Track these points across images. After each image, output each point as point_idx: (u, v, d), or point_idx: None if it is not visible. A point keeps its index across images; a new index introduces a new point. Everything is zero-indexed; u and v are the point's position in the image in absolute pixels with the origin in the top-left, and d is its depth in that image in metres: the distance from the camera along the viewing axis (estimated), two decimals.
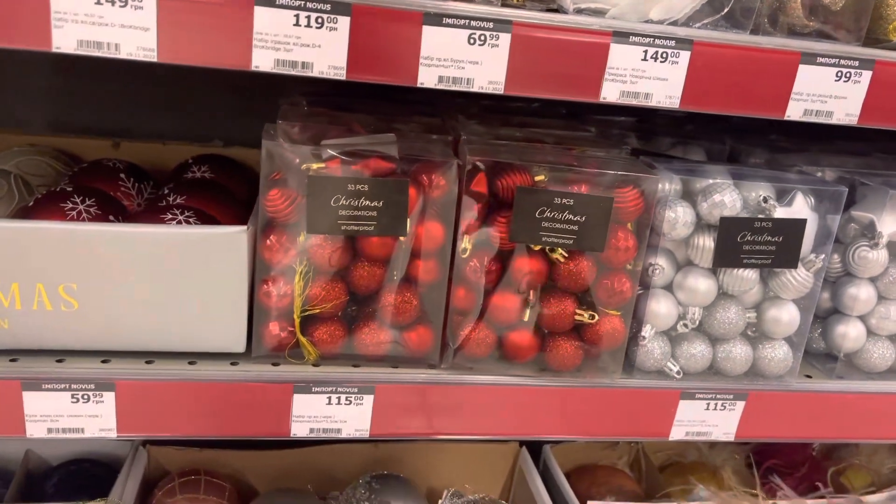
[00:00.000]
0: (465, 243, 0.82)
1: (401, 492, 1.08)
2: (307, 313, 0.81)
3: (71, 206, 0.83)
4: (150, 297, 0.78)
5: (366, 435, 0.85)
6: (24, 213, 0.84)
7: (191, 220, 0.83)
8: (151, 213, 0.84)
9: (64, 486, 1.04)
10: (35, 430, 0.77)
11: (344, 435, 0.84)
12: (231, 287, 0.79)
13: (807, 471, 1.23)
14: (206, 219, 0.84)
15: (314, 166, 0.78)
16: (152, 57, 0.67)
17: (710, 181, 0.86)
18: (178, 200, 0.92)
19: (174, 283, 0.78)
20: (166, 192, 0.95)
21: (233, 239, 0.78)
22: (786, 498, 1.14)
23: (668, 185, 0.85)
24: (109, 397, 0.78)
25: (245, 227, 0.78)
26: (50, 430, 0.78)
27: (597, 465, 1.24)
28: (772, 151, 1.08)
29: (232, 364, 0.82)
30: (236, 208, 0.95)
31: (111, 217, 0.85)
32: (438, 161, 0.79)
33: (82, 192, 0.86)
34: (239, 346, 0.82)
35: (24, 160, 1.01)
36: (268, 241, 0.80)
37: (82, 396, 0.77)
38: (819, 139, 1.19)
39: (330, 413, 0.83)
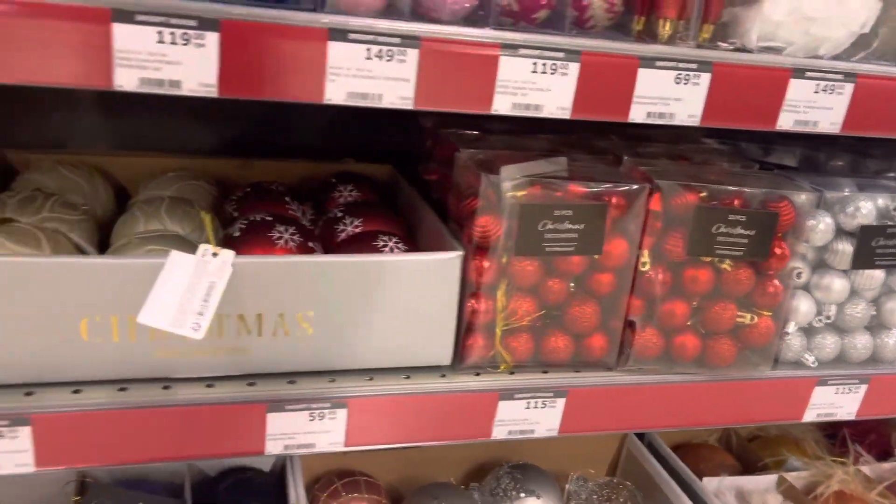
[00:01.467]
0: (645, 257, 0.91)
1: (540, 480, 1.17)
2: (508, 327, 0.89)
3: (277, 234, 0.88)
4: (373, 319, 0.84)
5: (555, 434, 0.93)
6: (230, 243, 0.88)
7: (398, 245, 0.89)
8: (360, 240, 0.90)
9: (232, 494, 1.09)
10: (273, 448, 0.83)
11: (536, 435, 0.93)
12: (444, 306, 0.86)
13: (875, 437, 1.38)
14: (407, 242, 0.90)
15: (519, 193, 0.85)
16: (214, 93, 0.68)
17: (846, 192, 0.97)
18: (356, 223, 0.98)
19: (396, 305, 0.84)
20: (339, 214, 1.00)
21: (450, 264, 0.84)
22: (866, 463, 1.28)
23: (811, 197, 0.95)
24: (342, 414, 0.84)
25: (461, 253, 0.84)
26: (287, 447, 0.84)
27: (696, 443, 1.36)
28: (849, 154, 1.20)
29: (441, 376, 0.89)
30: (402, 226, 1.01)
31: (309, 244, 0.90)
32: (632, 184, 0.87)
33: (282, 221, 0.90)
34: (446, 359, 0.89)
35: (182, 186, 1.04)
36: (475, 263, 0.87)
37: (318, 414, 0.83)
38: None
39: (527, 416, 0.91)
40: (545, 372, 0.93)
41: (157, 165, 1.13)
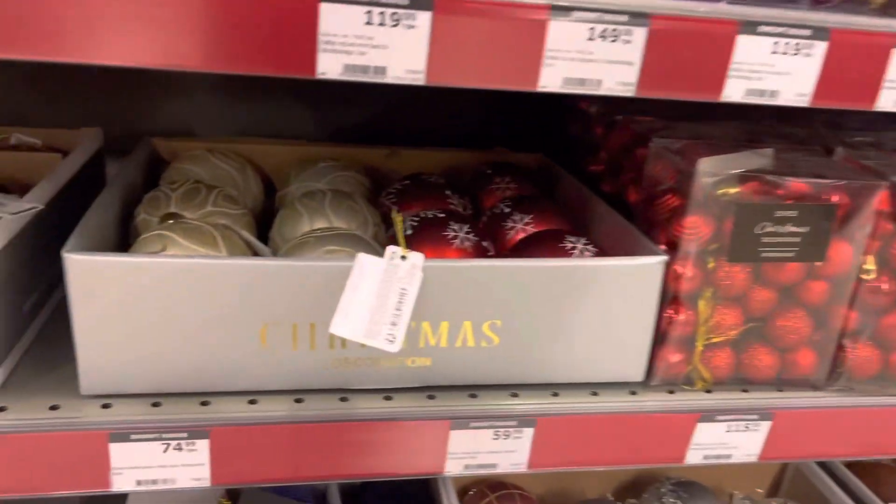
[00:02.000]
0: (870, 264, 0.79)
1: (707, 499, 1.07)
2: (710, 341, 0.79)
3: (452, 234, 0.81)
4: (562, 329, 0.75)
5: (754, 459, 0.83)
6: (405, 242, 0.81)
7: (588, 247, 0.80)
8: (542, 241, 0.82)
9: (380, 498, 1.03)
10: (453, 467, 0.76)
11: (733, 461, 0.83)
12: (641, 316, 0.77)
13: None
14: (597, 247, 0.81)
15: (731, 190, 0.75)
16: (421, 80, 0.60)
17: None
18: (526, 220, 0.89)
19: (588, 314, 0.75)
20: (506, 210, 0.92)
21: (652, 269, 0.75)
22: None
23: None
24: (528, 433, 0.76)
25: (664, 257, 0.75)
26: (467, 467, 0.77)
27: (870, 462, 1.23)
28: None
29: (631, 393, 0.80)
30: (571, 224, 0.92)
31: (483, 243, 0.83)
32: (864, 180, 0.76)
33: (454, 218, 0.83)
34: (639, 375, 0.80)
35: (335, 177, 0.98)
36: (675, 269, 0.77)
37: (503, 433, 0.76)
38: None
39: (726, 440, 0.81)
40: (745, 391, 0.83)
41: (303, 154, 1.07)
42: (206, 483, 0.71)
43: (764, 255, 0.76)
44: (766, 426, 0.81)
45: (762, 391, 0.83)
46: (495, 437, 0.76)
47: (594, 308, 0.75)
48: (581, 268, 0.74)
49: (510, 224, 0.90)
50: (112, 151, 1.04)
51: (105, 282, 0.65)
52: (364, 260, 0.68)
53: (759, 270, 0.78)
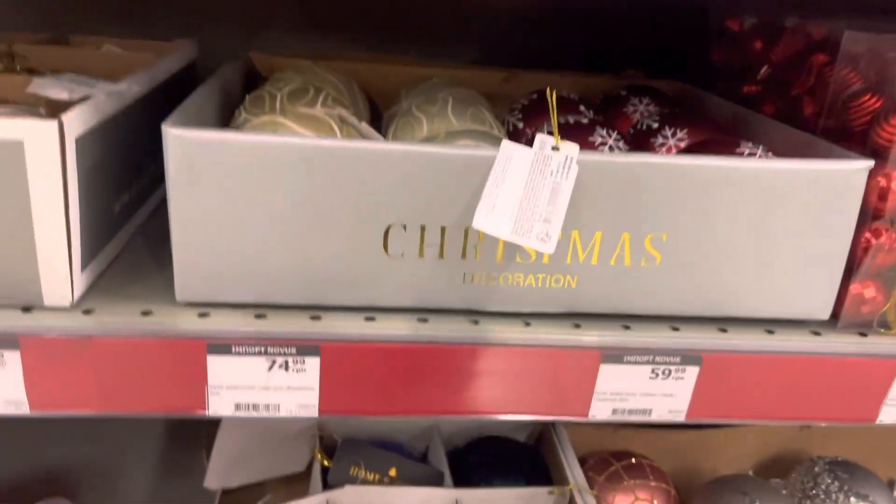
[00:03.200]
0: None
1: (870, 483, 0.91)
2: None
3: (600, 140, 0.69)
4: (736, 250, 0.62)
5: None
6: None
7: (769, 155, 0.66)
8: (713, 149, 0.68)
9: (486, 466, 0.92)
10: (600, 411, 0.64)
11: None
12: (833, 239, 0.63)
13: None
14: (778, 155, 0.68)
15: None
16: None
17: None
18: (679, 134, 0.76)
19: (771, 234, 0.62)
20: (653, 125, 0.79)
21: (852, 177, 0.61)
22: None
23: None
24: (692, 373, 0.63)
25: (869, 162, 0.61)
26: (616, 411, 0.64)
27: None
28: None
29: (814, 334, 0.66)
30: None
31: (637, 151, 0.70)
32: None
33: (602, 124, 0.71)
34: (825, 312, 0.66)
35: (451, 92, 0.87)
36: (881, 181, 0.63)
37: (663, 371, 0.63)
38: None
39: None
40: None
41: (411, 75, 0.97)
42: (314, 412, 0.61)
43: None
44: None
45: None
46: (653, 375, 0.63)
47: (777, 224, 0.62)
48: (769, 171, 0.60)
49: (660, 140, 0.77)
50: (207, 68, 0.96)
51: (209, 165, 0.55)
52: (510, 148, 0.57)
53: None
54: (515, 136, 0.81)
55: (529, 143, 0.71)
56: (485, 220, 0.53)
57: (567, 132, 0.70)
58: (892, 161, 0.63)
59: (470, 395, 0.62)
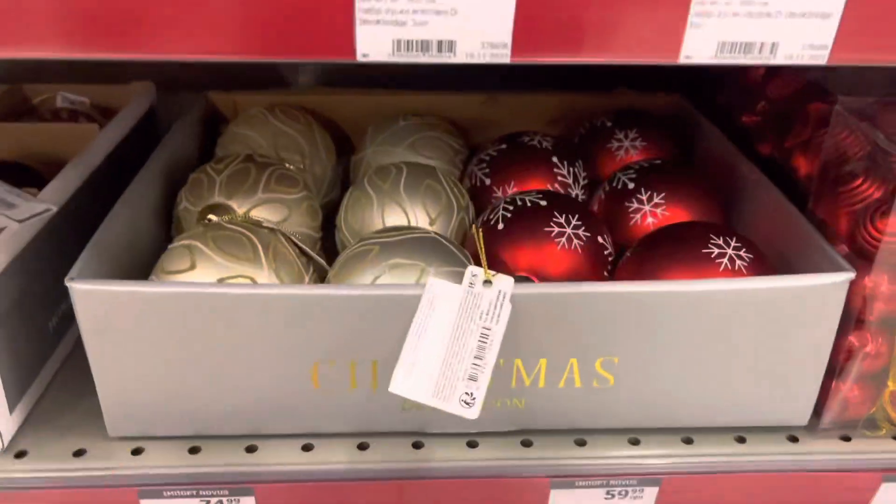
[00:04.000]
0: None
1: None
2: None
3: (557, 230, 0.63)
4: (697, 363, 0.57)
5: None
6: (490, 235, 0.64)
7: (740, 254, 0.59)
8: (678, 240, 0.61)
9: None
10: None
11: None
12: (811, 347, 0.57)
13: None
14: (753, 251, 0.60)
15: None
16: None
17: None
18: (655, 201, 0.70)
19: (740, 347, 0.56)
20: (629, 185, 0.72)
21: (832, 291, 0.55)
22: None
23: None
24: (650, 494, 0.60)
25: (851, 275, 0.54)
26: None
27: None
28: None
29: (791, 440, 0.61)
30: (719, 205, 0.71)
31: (599, 239, 0.64)
32: None
33: (559, 205, 0.64)
34: (803, 418, 0.61)
35: (418, 139, 0.81)
36: (866, 286, 0.56)
37: (620, 493, 0.59)
38: None
39: None
40: None
41: (383, 105, 0.91)
42: None
43: None
44: None
45: None
46: (608, 496, 0.60)
47: (748, 339, 0.56)
48: (735, 292, 0.54)
49: (635, 206, 0.70)
50: (169, 104, 0.91)
51: (118, 315, 0.53)
52: (437, 288, 0.52)
53: None
54: (480, 191, 0.76)
55: (494, 207, 0.65)
56: (402, 384, 0.49)
57: (523, 216, 0.63)
58: (877, 265, 0.55)
59: None
